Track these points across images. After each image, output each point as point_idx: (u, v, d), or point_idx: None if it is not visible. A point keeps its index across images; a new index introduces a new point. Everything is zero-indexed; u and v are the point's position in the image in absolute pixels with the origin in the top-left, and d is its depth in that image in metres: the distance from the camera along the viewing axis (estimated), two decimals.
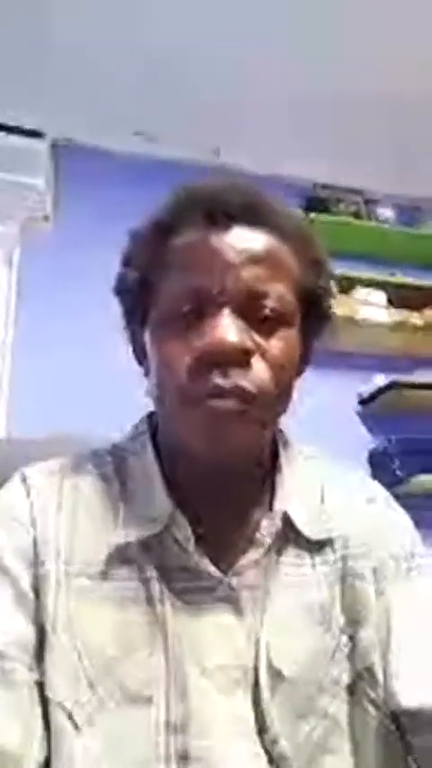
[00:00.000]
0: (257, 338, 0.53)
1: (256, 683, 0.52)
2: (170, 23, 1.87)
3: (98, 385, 1.91)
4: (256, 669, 0.52)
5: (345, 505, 0.62)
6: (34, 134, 2.21)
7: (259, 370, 0.52)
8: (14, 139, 2.18)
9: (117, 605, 0.53)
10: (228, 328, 0.51)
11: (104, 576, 0.54)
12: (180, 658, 0.52)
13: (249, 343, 0.52)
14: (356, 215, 2.49)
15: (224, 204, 0.54)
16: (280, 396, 0.54)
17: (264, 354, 0.53)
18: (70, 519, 0.56)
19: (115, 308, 0.62)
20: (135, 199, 0.62)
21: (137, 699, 0.50)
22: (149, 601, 0.53)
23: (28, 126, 2.20)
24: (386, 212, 2.56)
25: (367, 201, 2.55)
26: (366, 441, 2.31)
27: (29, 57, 2.00)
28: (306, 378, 0.61)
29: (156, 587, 0.53)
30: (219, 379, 0.51)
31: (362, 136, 2.30)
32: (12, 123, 2.18)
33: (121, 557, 0.54)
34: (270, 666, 0.52)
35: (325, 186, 2.51)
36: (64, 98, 2.14)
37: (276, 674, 0.52)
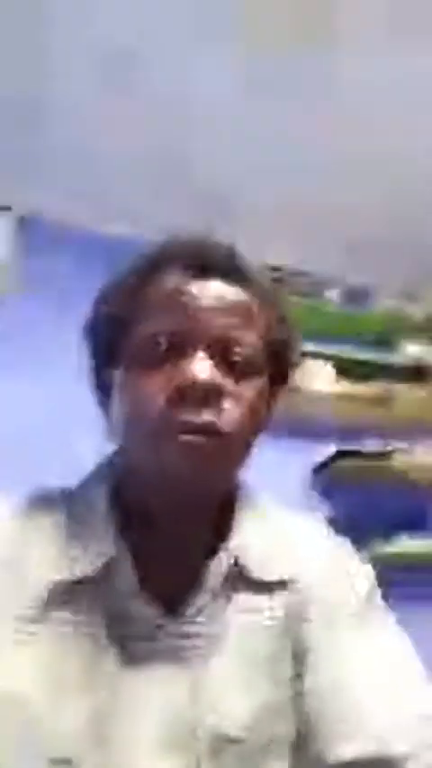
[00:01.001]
0: (229, 381, 0.56)
1: (196, 743, 0.50)
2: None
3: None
4: (197, 729, 0.51)
5: (301, 550, 0.62)
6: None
7: (231, 411, 0.54)
8: None
9: (52, 651, 0.52)
10: (202, 368, 0.53)
11: (42, 618, 0.53)
12: (113, 712, 0.50)
13: (222, 383, 0.54)
14: (305, 295, 2.67)
15: (205, 257, 0.59)
16: (248, 438, 0.56)
17: (235, 397, 0.55)
18: (16, 561, 0.56)
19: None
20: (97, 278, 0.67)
21: (55, 761, 0.48)
22: (87, 647, 0.52)
23: None
24: (333, 294, 2.75)
25: (315, 283, 2.74)
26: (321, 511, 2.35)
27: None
28: (264, 445, 0.63)
29: (95, 633, 0.53)
30: (191, 416, 0.52)
31: (311, 221, 2.50)
32: None
33: (60, 598, 0.54)
34: (213, 727, 0.52)
35: (275, 268, 2.68)
36: (37, 172, 2.23)
37: (219, 735, 0.52)
